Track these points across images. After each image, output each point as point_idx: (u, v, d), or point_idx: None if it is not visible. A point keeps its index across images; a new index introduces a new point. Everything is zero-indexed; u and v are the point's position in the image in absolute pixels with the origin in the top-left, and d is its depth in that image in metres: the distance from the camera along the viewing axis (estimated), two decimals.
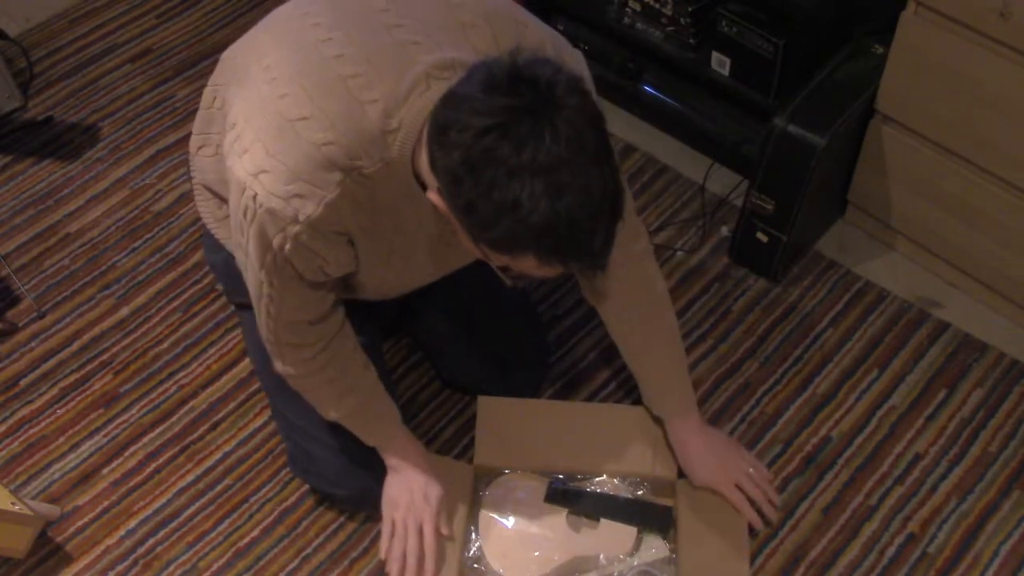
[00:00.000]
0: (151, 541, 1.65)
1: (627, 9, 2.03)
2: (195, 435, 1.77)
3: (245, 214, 1.18)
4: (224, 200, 1.44)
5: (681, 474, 1.56)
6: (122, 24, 2.48)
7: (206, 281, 1.97)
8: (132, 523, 1.67)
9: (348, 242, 1.23)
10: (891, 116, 1.74)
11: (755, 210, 1.83)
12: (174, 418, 1.79)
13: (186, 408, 1.80)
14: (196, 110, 1.43)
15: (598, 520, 1.55)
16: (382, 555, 1.48)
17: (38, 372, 1.86)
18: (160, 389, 1.83)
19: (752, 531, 1.54)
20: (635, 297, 1.47)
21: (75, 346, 1.89)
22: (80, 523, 1.67)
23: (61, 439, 1.77)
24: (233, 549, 1.64)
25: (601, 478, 1.58)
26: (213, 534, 1.65)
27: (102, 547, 1.65)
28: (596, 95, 1.25)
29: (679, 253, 1.97)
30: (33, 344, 1.90)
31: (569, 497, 1.56)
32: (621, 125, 2.18)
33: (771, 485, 1.55)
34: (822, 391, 1.76)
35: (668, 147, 2.15)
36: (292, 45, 1.19)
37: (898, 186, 1.83)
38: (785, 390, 1.77)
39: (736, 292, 1.91)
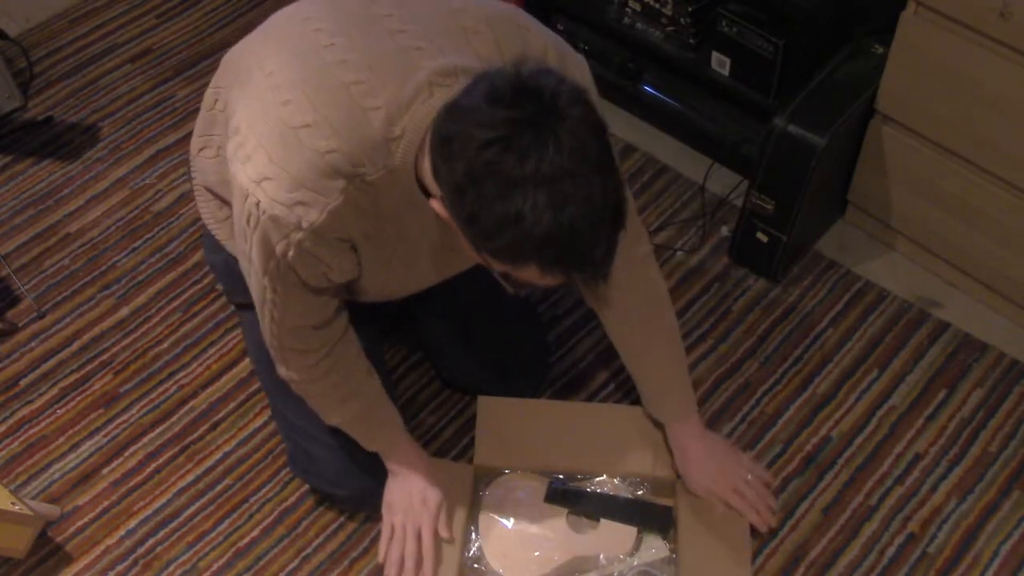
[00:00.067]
0: (151, 541, 1.65)
1: (627, 9, 2.03)
2: (195, 435, 1.77)
3: (248, 221, 1.18)
4: (225, 202, 1.44)
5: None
6: (122, 24, 2.48)
7: (206, 281, 1.97)
8: (132, 523, 1.67)
9: (351, 248, 1.23)
10: (891, 116, 1.74)
11: (755, 210, 1.83)
12: (174, 418, 1.79)
13: (186, 408, 1.80)
14: (196, 110, 1.43)
15: (598, 520, 1.55)
16: (380, 559, 1.49)
17: (38, 372, 1.86)
18: (160, 389, 1.83)
19: (753, 532, 1.54)
20: (636, 301, 1.46)
21: (75, 346, 1.90)
22: (80, 523, 1.67)
23: (61, 439, 1.77)
24: (233, 549, 1.64)
25: (601, 478, 1.58)
26: (213, 534, 1.65)
27: (102, 547, 1.65)
28: (598, 95, 1.26)
29: (679, 253, 1.97)
30: (33, 344, 1.90)
31: (569, 497, 1.56)
32: (621, 125, 2.18)
33: (770, 491, 1.55)
34: (822, 391, 1.76)
35: (668, 147, 2.15)
36: (294, 50, 1.19)
37: (898, 186, 1.83)
38: (785, 390, 1.77)
39: (736, 292, 1.91)
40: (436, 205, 1.10)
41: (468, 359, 1.70)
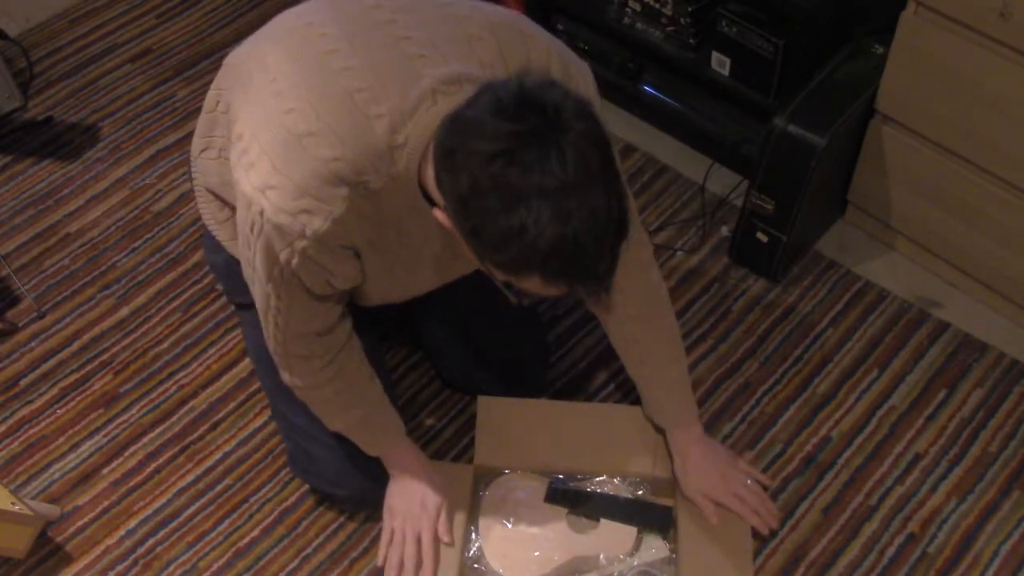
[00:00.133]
0: (151, 541, 1.65)
1: (627, 9, 2.03)
2: (195, 435, 1.77)
3: (252, 229, 1.18)
4: (226, 203, 1.44)
5: None
6: (122, 24, 2.48)
7: (206, 281, 1.97)
8: (132, 523, 1.67)
9: (355, 255, 1.23)
10: (891, 116, 1.74)
11: (755, 210, 1.83)
12: (174, 418, 1.79)
13: (186, 408, 1.80)
14: (196, 110, 1.44)
15: (598, 520, 1.55)
16: (379, 562, 1.49)
17: (38, 372, 1.86)
18: (160, 389, 1.83)
19: (754, 534, 1.54)
20: (638, 306, 1.46)
21: (75, 346, 1.90)
22: (80, 523, 1.67)
23: (61, 439, 1.77)
24: (233, 549, 1.64)
25: (601, 478, 1.58)
26: (213, 534, 1.65)
27: (102, 547, 1.65)
28: (600, 100, 1.25)
29: (679, 253, 1.97)
30: (33, 344, 1.90)
31: (569, 497, 1.56)
32: (621, 125, 2.18)
33: (768, 498, 1.56)
34: (822, 391, 1.76)
35: (668, 147, 2.15)
36: (297, 55, 1.18)
37: (898, 186, 1.83)
38: (785, 390, 1.77)
39: (736, 292, 1.91)
40: (439, 215, 1.10)
41: (468, 359, 1.70)
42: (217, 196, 1.45)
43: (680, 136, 2.15)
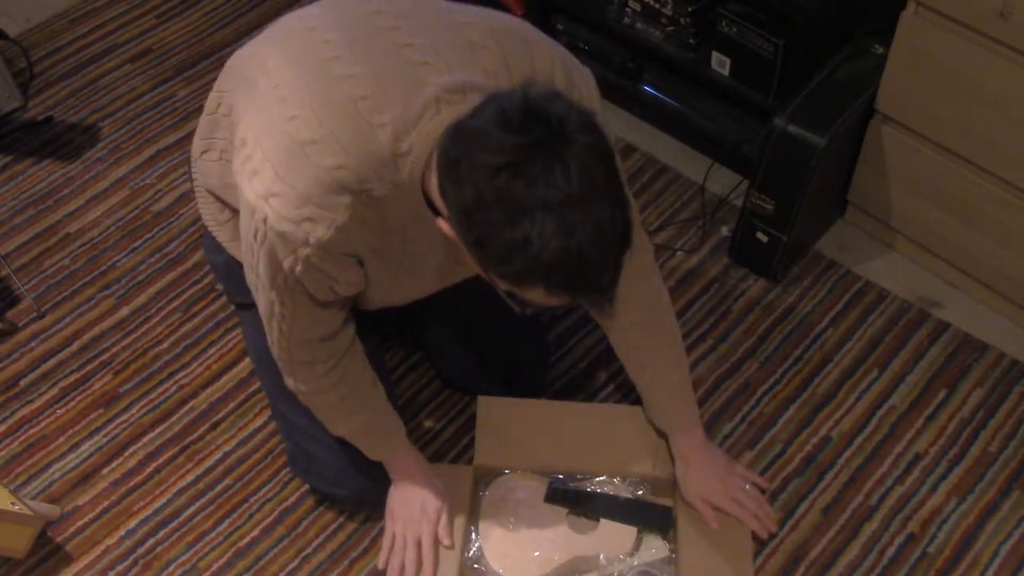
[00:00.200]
0: (151, 541, 1.65)
1: (627, 9, 2.03)
2: (195, 435, 1.77)
3: (256, 236, 1.18)
4: (226, 204, 1.44)
5: None
6: (122, 24, 2.48)
7: (206, 281, 1.97)
8: (132, 523, 1.67)
9: (358, 263, 1.24)
10: (891, 116, 1.74)
11: (755, 210, 1.83)
12: (174, 418, 1.79)
13: (186, 408, 1.80)
14: (196, 110, 1.44)
15: (598, 520, 1.55)
16: (381, 566, 1.50)
17: (38, 372, 1.86)
18: (160, 389, 1.83)
19: (753, 537, 1.54)
20: (640, 313, 1.46)
21: (75, 346, 1.90)
22: (80, 523, 1.67)
23: (61, 439, 1.77)
24: (233, 549, 1.64)
25: (601, 478, 1.58)
26: (213, 534, 1.65)
27: (102, 547, 1.65)
28: (602, 108, 1.25)
29: (679, 253, 1.97)
30: (33, 344, 1.90)
31: (569, 497, 1.56)
32: (621, 125, 2.18)
33: (766, 503, 1.56)
34: (822, 391, 1.76)
35: (668, 147, 2.15)
36: (300, 61, 1.18)
37: (898, 186, 1.83)
38: (785, 390, 1.77)
39: (736, 292, 1.91)
40: (443, 225, 1.10)
41: (468, 359, 1.71)
42: (218, 198, 1.45)
43: (680, 136, 2.15)
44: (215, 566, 1.62)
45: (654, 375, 1.52)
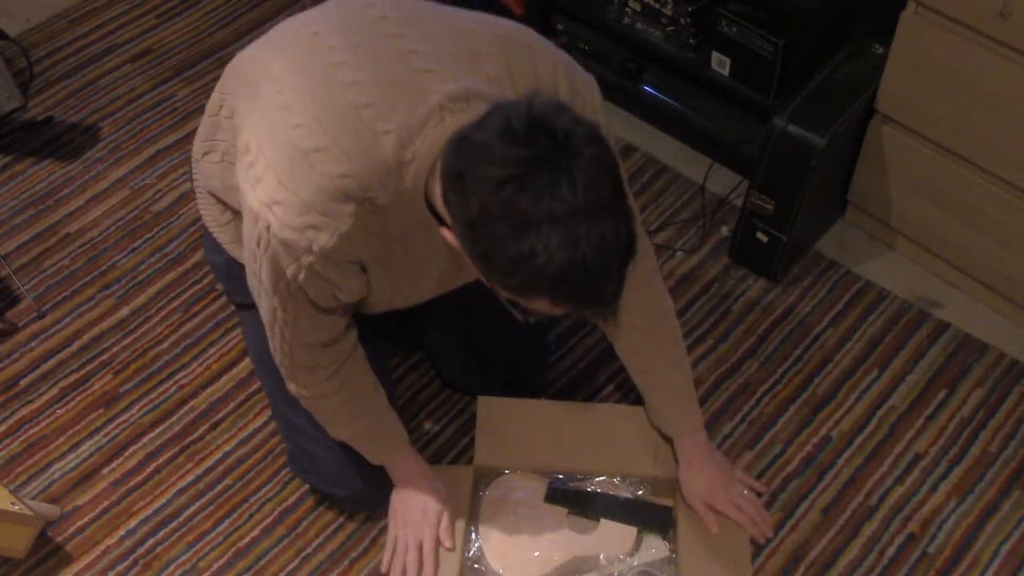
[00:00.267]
0: (151, 541, 1.65)
1: (627, 9, 2.03)
2: (195, 435, 1.77)
3: (259, 244, 1.18)
4: (227, 206, 1.44)
5: None
6: (122, 24, 2.48)
7: (206, 281, 1.97)
8: (132, 523, 1.67)
9: (360, 269, 1.24)
10: (891, 116, 1.74)
11: (755, 210, 1.83)
12: (174, 418, 1.79)
13: (186, 408, 1.80)
14: (196, 110, 1.44)
15: (598, 520, 1.55)
16: (384, 569, 1.51)
17: (38, 372, 1.86)
18: (160, 389, 1.83)
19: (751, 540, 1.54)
20: (643, 318, 1.46)
21: (75, 346, 1.90)
22: (80, 523, 1.67)
23: (61, 439, 1.77)
24: (233, 549, 1.64)
25: (601, 478, 1.58)
26: (213, 534, 1.65)
27: (102, 547, 1.65)
28: (607, 116, 1.25)
29: (679, 253, 1.97)
30: (33, 344, 1.90)
31: (569, 497, 1.56)
32: (621, 125, 2.18)
33: (763, 507, 1.57)
34: (822, 391, 1.76)
35: (668, 147, 2.15)
36: (304, 67, 1.18)
37: (898, 186, 1.83)
38: (785, 390, 1.77)
39: (736, 292, 1.91)
40: (448, 235, 1.10)
41: (468, 359, 1.71)
42: (219, 199, 1.45)
43: (680, 136, 2.15)
44: (215, 566, 1.62)
45: (657, 378, 1.52)
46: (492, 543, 1.53)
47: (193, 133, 1.44)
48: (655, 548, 1.54)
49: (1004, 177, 1.65)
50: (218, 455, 1.74)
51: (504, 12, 2.11)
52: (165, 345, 1.89)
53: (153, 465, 1.74)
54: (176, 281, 1.98)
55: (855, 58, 1.78)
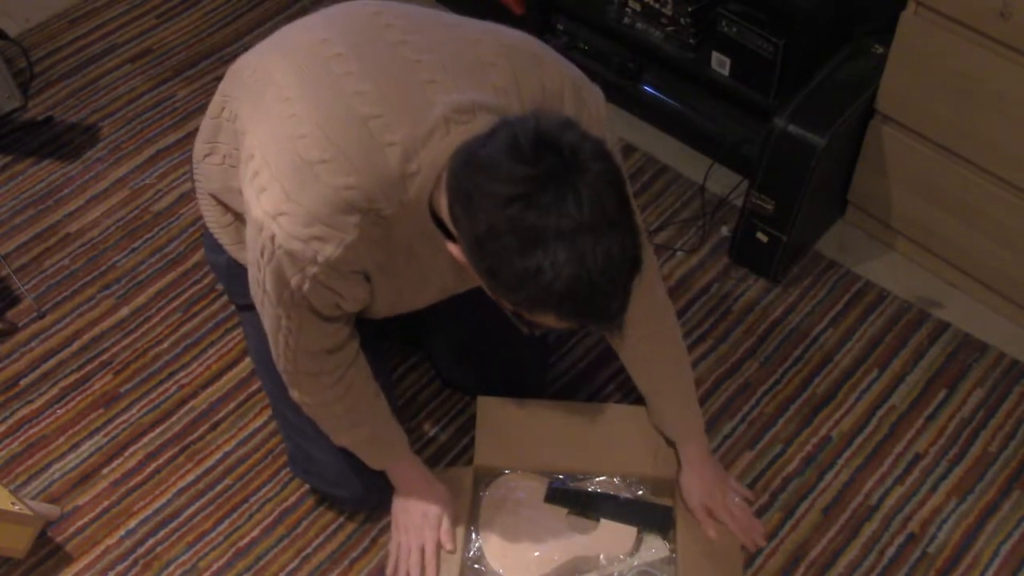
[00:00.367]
0: (151, 541, 1.65)
1: (627, 9, 2.03)
2: (195, 435, 1.77)
3: (263, 253, 1.18)
4: (229, 208, 1.44)
5: None
6: (122, 24, 2.48)
7: (206, 281, 1.97)
8: (132, 523, 1.67)
9: (364, 279, 1.24)
10: (891, 116, 1.74)
11: (755, 210, 1.83)
12: (174, 418, 1.79)
13: (186, 408, 1.80)
14: (196, 110, 1.43)
15: (598, 520, 1.55)
16: (388, 573, 1.53)
17: (38, 372, 1.86)
18: (160, 389, 1.83)
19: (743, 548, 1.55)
20: (648, 326, 1.46)
21: (75, 346, 1.90)
22: (80, 523, 1.67)
23: (61, 439, 1.77)
24: (233, 549, 1.64)
25: (601, 478, 1.58)
26: (213, 534, 1.65)
27: (102, 547, 1.65)
28: (612, 126, 1.25)
29: (679, 253, 1.97)
30: (33, 344, 1.90)
31: (569, 497, 1.56)
32: (621, 125, 2.18)
33: (754, 516, 1.58)
34: (822, 391, 1.76)
35: (668, 147, 2.15)
36: (310, 75, 1.18)
37: (898, 186, 1.83)
38: (785, 390, 1.77)
39: (736, 292, 1.91)
40: (454, 250, 1.11)
41: (468, 359, 1.71)
42: (220, 201, 1.45)
43: (680, 136, 2.15)
44: (215, 566, 1.62)
45: (661, 384, 1.53)
46: (492, 543, 1.53)
47: (193, 133, 1.44)
48: (655, 548, 1.54)
49: (1004, 177, 1.65)
50: (218, 455, 1.74)
51: (504, 12, 2.11)
52: (165, 345, 1.89)
53: (153, 465, 1.74)
54: (176, 281, 1.98)
55: (855, 58, 1.78)
